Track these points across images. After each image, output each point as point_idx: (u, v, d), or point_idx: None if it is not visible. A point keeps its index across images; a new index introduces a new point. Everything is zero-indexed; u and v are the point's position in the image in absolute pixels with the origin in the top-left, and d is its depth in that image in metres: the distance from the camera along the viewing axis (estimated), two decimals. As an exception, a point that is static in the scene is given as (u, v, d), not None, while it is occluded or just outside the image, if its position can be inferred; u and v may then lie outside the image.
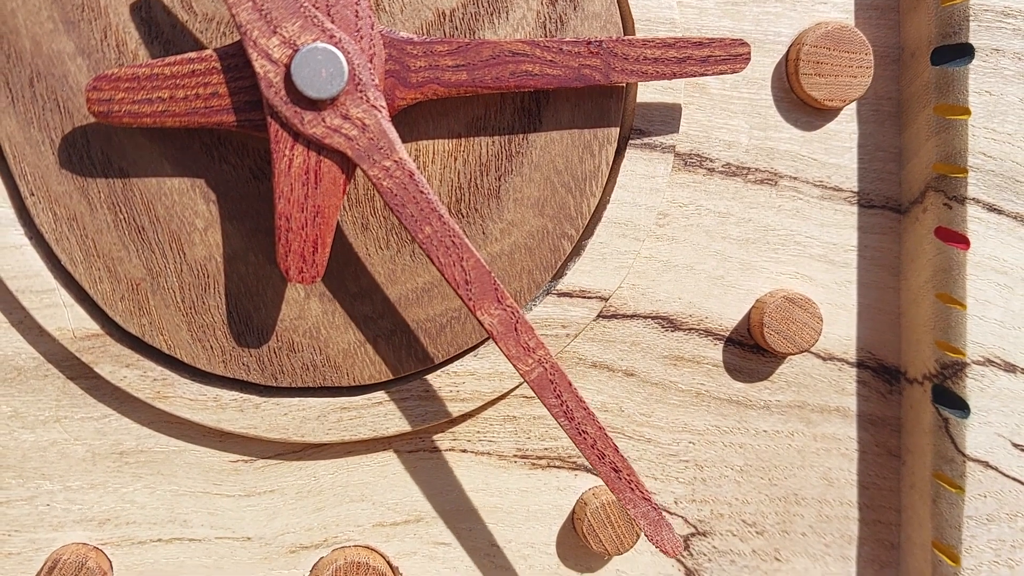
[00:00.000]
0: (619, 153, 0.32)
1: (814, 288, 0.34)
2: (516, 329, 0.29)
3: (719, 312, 0.34)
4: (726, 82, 0.33)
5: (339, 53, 0.26)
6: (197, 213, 0.30)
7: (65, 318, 0.30)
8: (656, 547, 0.30)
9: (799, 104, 0.33)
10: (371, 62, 0.27)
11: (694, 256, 0.34)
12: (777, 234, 0.34)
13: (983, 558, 0.33)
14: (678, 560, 0.35)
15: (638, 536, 0.33)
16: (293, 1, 0.26)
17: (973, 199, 0.32)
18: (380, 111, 0.27)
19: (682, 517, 0.35)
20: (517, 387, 0.33)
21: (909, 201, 0.34)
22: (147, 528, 0.32)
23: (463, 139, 0.31)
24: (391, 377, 0.32)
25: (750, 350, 0.34)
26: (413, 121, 0.30)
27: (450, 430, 0.33)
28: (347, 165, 0.28)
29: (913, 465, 0.35)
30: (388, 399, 0.32)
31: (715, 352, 0.34)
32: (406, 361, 0.32)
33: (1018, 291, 0.32)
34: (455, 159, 0.31)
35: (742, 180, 0.33)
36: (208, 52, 0.27)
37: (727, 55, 0.29)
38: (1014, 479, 0.33)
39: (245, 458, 0.32)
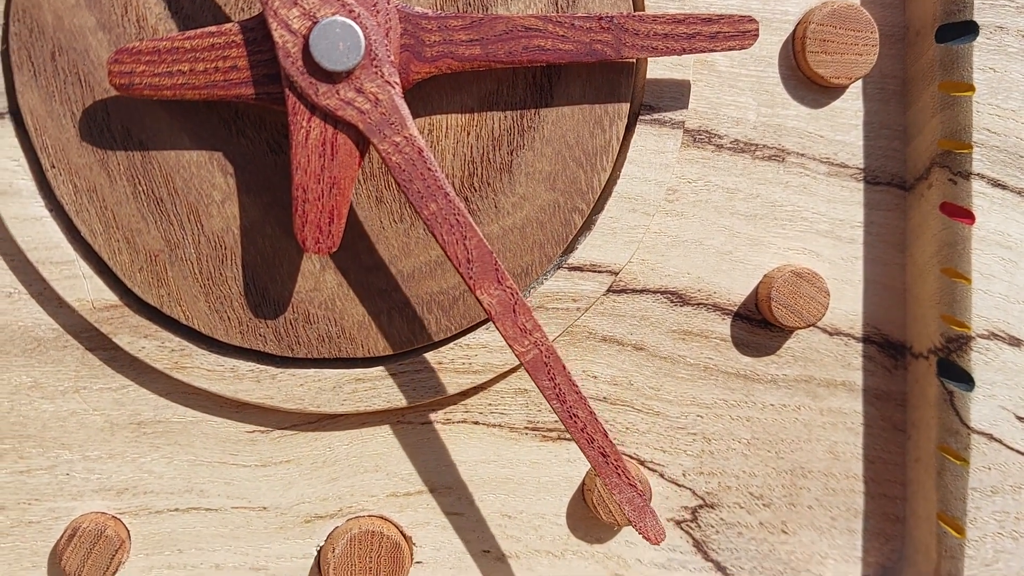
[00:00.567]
0: (629, 129, 0.32)
1: (821, 263, 0.35)
2: (514, 310, 0.29)
3: (727, 287, 0.34)
4: (734, 59, 0.34)
5: (357, 27, 0.27)
6: (215, 186, 0.31)
7: (84, 289, 0.31)
8: (640, 534, 0.30)
9: (806, 82, 0.34)
10: (387, 36, 0.28)
11: (703, 231, 0.34)
12: (784, 210, 0.34)
13: (987, 530, 0.34)
14: (686, 531, 0.35)
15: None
16: (312, -26, 0.27)
17: (978, 174, 0.32)
18: (393, 87, 0.28)
19: (690, 489, 0.35)
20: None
21: (914, 177, 0.34)
22: (164, 498, 0.33)
23: (476, 114, 0.31)
24: (405, 349, 0.32)
25: (758, 325, 0.35)
26: (427, 96, 0.31)
27: (462, 402, 0.34)
28: (361, 139, 0.28)
29: (918, 439, 0.35)
30: (402, 371, 0.32)
31: (723, 327, 0.35)
32: (419, 333, 0.32)
33: (1022, 265, 0.33)
34: (468, 133, 0.31)
35: (750, 156, 0.34)
36: (228, 26, 0.28)
37: (736, 31, 0.30)
38: (1018, 451, 0.33)
39: (261, 428, 0.33)
